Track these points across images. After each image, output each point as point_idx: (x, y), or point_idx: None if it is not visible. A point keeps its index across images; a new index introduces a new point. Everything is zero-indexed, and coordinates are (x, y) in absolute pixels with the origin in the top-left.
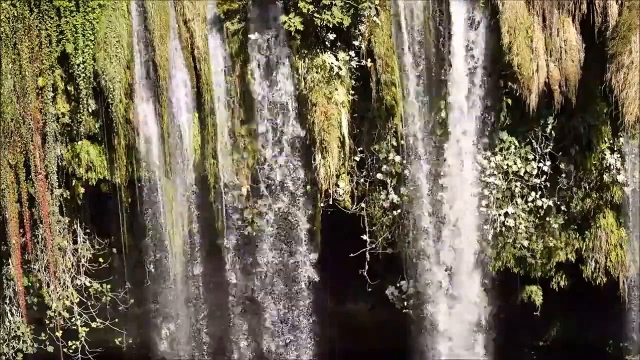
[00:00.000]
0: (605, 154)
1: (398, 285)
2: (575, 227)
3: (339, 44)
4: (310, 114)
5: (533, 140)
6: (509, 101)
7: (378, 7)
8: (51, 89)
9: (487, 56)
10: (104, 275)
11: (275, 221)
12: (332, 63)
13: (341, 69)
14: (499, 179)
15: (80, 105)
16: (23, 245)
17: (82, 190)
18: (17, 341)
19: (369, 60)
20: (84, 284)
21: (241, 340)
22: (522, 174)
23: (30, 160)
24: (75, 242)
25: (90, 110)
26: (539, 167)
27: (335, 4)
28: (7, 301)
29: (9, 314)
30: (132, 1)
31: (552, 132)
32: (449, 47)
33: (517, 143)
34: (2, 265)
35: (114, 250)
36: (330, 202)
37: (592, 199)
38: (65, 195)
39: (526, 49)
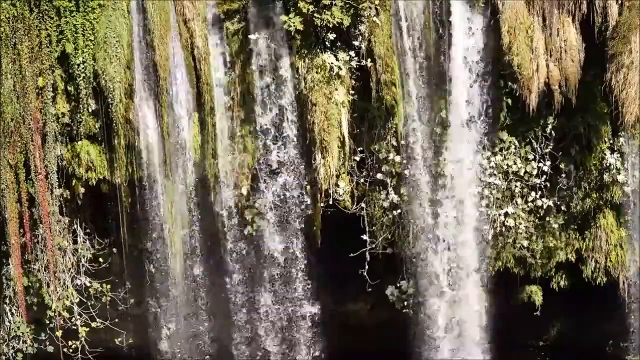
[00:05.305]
0: (605, 154)
1: (398, 285)
2: (575, 227)
3: (339, 44)
4: (310, 114)
5: (533, 140)
6: (509, 101)
7: (378, 7)
8: (51, 89)
9: (487, 56)
10: (104, 275)
11: (275, 221)
12: (332, 63)
13: (341, 69)
14: (499, 179)
15: (80, 105)
16: (23, 245)
17: (82, 190)
18: (17, 341)
19: (369, 60)
20: (84, 284)
21: (241, 340)
22: (522, 174)
23: (30, 160)
24: (75, 242)
25: (90, 110)
26: (539, 167)
27: (335, 4)
28: (7, 301)
29: (9, 314)
30: (132, 1)
31: (552, 132)
32: (449, 47)
33: (517, 143)
34: (2, 265)
35: (114, 250)
36: (330, 202)
37: (592, 199)
38: (65, 195)
39: (526, 49)
